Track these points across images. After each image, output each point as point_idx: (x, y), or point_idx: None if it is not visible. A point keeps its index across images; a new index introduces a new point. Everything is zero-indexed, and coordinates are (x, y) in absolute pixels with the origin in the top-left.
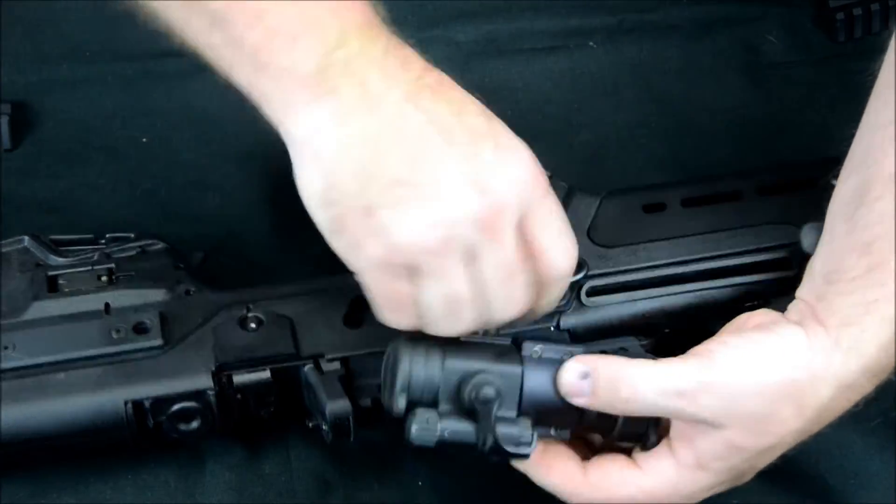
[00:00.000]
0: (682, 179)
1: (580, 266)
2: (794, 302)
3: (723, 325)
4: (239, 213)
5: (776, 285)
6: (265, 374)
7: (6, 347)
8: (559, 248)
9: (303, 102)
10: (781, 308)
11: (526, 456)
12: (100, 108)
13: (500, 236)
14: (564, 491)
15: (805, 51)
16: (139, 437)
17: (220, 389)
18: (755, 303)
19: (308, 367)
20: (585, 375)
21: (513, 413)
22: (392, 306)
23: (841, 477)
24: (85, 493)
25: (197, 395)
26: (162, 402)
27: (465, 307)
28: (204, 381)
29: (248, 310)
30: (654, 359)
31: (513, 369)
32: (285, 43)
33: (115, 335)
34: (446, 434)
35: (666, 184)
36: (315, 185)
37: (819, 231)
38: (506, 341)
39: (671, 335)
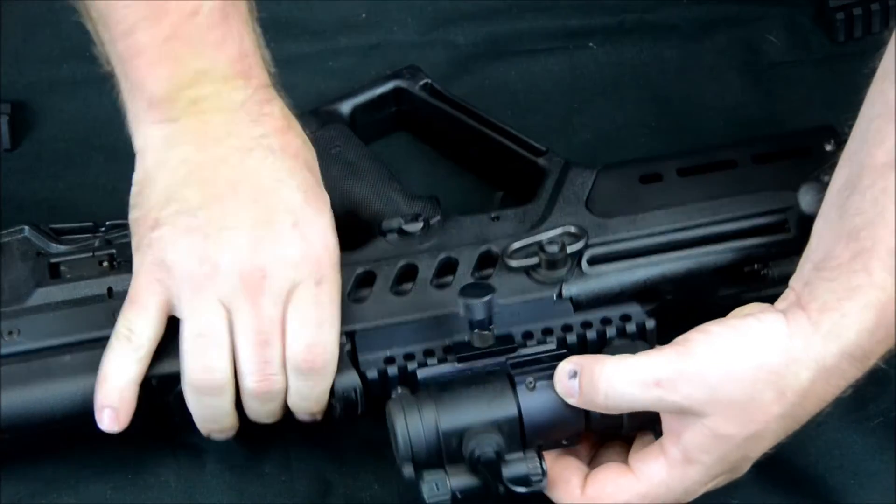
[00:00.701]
0: (677, 151)
1: (580, 235)
2: (785, 291)
3: (725, 289)
4: None
5: (775, 248)
6: None
7: (10, 333)
8: (305, 338)
9: (147, 120)
10: (781, 271)
11: (542, 488)
12: (100, 108)
13: (257, 301)
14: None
15: (805, 51)
16: (146, 418)
17: None
18: (755, 267)
19: None
20: (574, 374)
21: (519, 451)
22: (145, 309)
23: (841, 477)
24: (85, 493)
25: None
26: (168, 380)
27: (213, 352)
28: None
29: None
30: (645, 347)
31: (510, 411)
32: (144, 64)
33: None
34: (458, 493)
35: (662, 156)
36: (133, 187)
37: (817, 190)
38: (497, 364)
39: (674, 301)
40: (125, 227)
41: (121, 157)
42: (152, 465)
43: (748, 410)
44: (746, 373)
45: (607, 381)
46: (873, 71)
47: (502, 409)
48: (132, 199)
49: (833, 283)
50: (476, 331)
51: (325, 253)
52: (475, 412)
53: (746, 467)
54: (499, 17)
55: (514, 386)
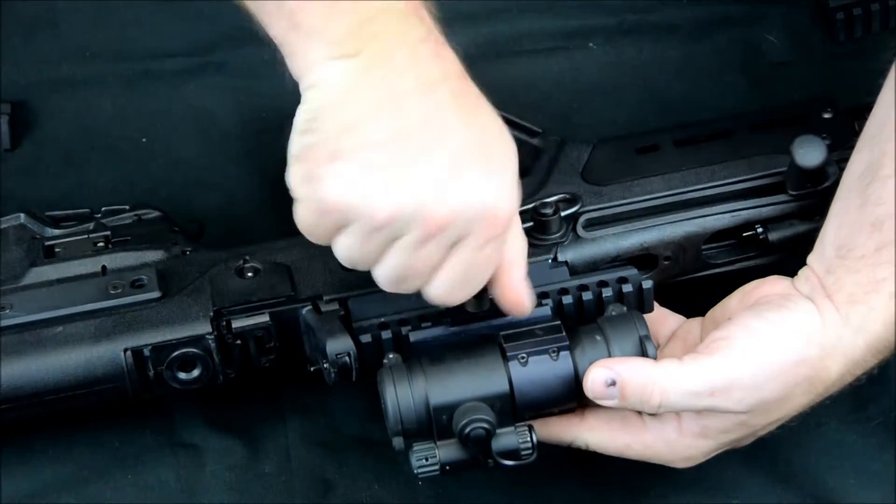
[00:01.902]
0: (673, 124)
1: (574, 199)
2: (804, 270)
3: (724, 256)
4: (239, 213)
5: (773, 210)
6: (264, 318)
7: (3, 308)
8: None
9: (323, 58)
10: (780, 235)
11: (532, 459)
12: (100, 108)
13: (430, 244)
14: (562, 437)
15: (805, 51)
16: (139, 389)
17: (219, 334)
18: (753, 230)
19: (307, 310)
20: (612, 383)
21: (510, 424)
22: (309, 235)
23: (841, 477)
24: (85, 493)
25: (196, 340)
26: (161, 350)
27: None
28: (203, 327)
29: (245, 260)
30: (640, 318)
31: (501, 387)
32: (322, 7)
33: (112, 291)
34: (448, 466)
35: (658, 129)
36: (304, 114)
37: (812, 143)
38: (490, 328)
39: (672, 267)
40: (121, 212)
41: (121, 157)
42: (152, 465)
43: (780, 404)
44: (788, 371)
45: (661, 393)
46: (873, 70)
47: (494, 384)
48: (302, 125)
49: (858, 275)
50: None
51: (506, 208)
52: (466, 387)
53: (751, 441)
54: (499, 17)
55: (506, 360)
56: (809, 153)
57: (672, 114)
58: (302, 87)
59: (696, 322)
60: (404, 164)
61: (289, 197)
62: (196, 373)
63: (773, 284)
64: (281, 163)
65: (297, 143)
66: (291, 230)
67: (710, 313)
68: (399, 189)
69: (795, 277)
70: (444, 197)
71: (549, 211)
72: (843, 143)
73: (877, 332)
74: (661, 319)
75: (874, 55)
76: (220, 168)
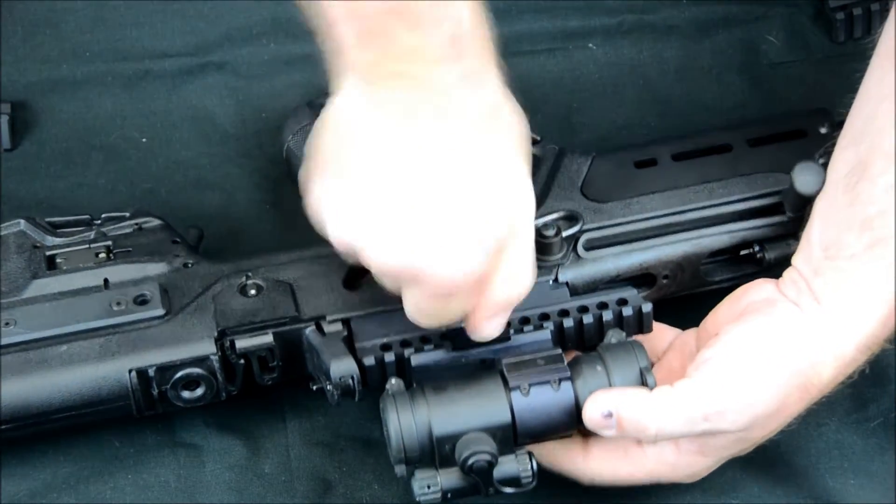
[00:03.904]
0: (671, 136)
1: (575, 219)
2: (790, 271)
3: (720, 273)
4: (239, 213)
5: (770, 230)
6: (267, 338)
7: (7, 324)
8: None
9: (346, 74)
10: (777, 254)
11: (532, 486)
12: (100, 108)
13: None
14: (568, 471)
15: (805, 51)
16: (143, 407)
17: (223, 354)
18: (751, 249)
19: (310, 330)
20: (609, 414)
21: (510, 451)
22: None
23: (841, 477)
24: (85, 493)
25: (200, 361)
26: (166, 370)
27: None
28: (207, 347)
29: (248, 277)
30: (641, 348)
31: (504, 418)
32: (355, 33)
33: (115, 307)
34: (449, 493)
35: (656, 140)
36: (319, 118)
37: (812, 170)
38: (491, 353)
39: (670, 285)
40: (121, 219)
41: (121, 157)
42: (152, 465)
43: (776, 416)
44: (780, 384)
45: (657, 423)
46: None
47: (497, 415)
48: (314, 127)
49: (848, 274)
50: None
51: (459, 277)
52: (469, 418)
53: (752, 448)
54: (499, 17)
55: (507, 389)
56: (809, 181)
57: (672, 114)
58: (330, 90)
59: (691, 333)
60: (363, 203)
61: (289, 197)
62: (200, 391)
63: (759, 290)
64: (281, 163)
65: (309, 143)
66: (291, 230)
67: (702, 324)
68: (344, 226)
69: (780, 280)
70: (389, 247)
71: (551, 233)
72: None
73: (867, 331)
74: (658, 333)
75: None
76: (220, 168)
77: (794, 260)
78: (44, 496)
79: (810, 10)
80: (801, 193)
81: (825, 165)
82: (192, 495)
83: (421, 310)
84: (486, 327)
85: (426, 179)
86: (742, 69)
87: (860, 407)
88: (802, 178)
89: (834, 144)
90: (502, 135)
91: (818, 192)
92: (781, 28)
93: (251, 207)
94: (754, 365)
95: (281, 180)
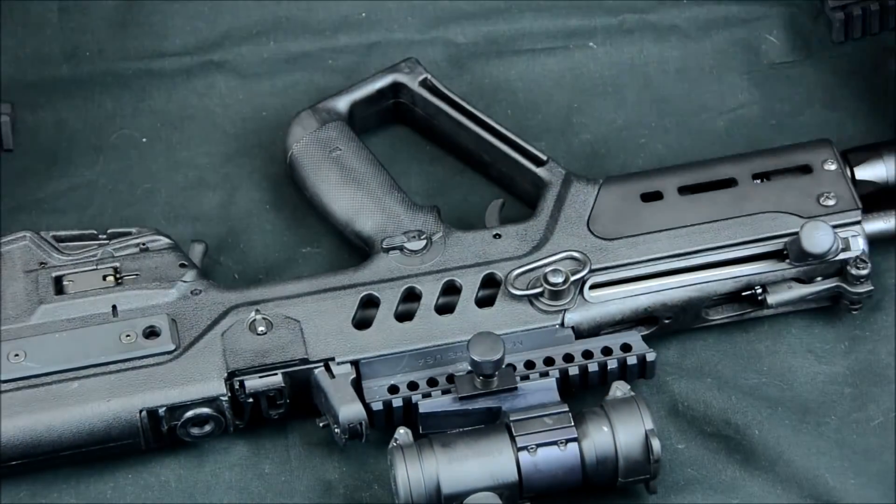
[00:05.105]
0: (677, 165)
1: (583, 261)
2: None
3: (721, 311)
4: (239, 213)
5: (773, 275)
6: (277, 379)
7: (17, 355)
8: None
9: None
10: (778, 298)
11: None
12: (100, 109)
13: None
14: None
15: (805, 51)
16: (152, 443)
17: (232, 395)
18: (753, 291)
19: (319, 371)
20: None
21: None
22: None
23: (841, 477)
24: (85, 493)
25: (210, 401)
26: (176, 409)
27: None
28: (217, 388)
29: (257, 312)
30: (644, 405)
31: (511, 477)
32: None
33: (125, 340)
34: None
35: (662, 170)
36: None
37: (820, 230)
38: (497, 401)
39: (671, 324)
40: (126, 235)
41: (121, 157)
42: (152, 465)
43: None
44: None
45: None
46: (873, 70)
47: (504, 474)
48: None
49: None
50: (480, 377)
51: None
52: (477, 477)
53: None
54: (499, 17)
55: (515, 449)
56: (818, 241)
57: (672, 114)
58: None
59: None
60: None
61: (289, 197)
62: (209, 428)
63: None
64: (281, 163)
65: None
66: (291, 230)
67: None
68: None
69: None
70: None
71: (559, 280)
72: (844, 206)
73: None
74: None
75: (874, 55)
76: (220, 168)
77: None
78: (44, 496)
79: (810, 10)
80: (807, 252)
81: (835, 206)
82: (192, 495)
83: None
84: None
85: None
86: (742, 69)
87: (860, 407)
88: (810, 238)
89: (843, 197)
90: None
91: (825, 253)
92: (781, 28)
93: (251, 207)
94: None
95: (281, 180)
